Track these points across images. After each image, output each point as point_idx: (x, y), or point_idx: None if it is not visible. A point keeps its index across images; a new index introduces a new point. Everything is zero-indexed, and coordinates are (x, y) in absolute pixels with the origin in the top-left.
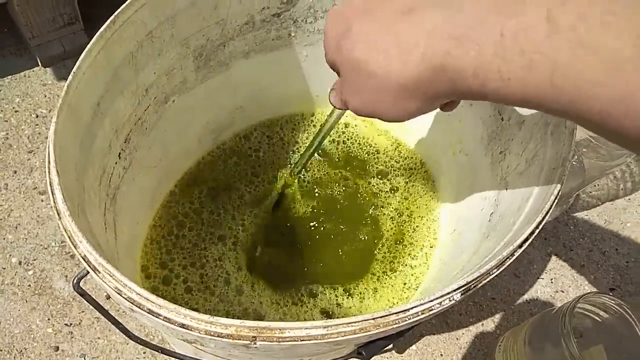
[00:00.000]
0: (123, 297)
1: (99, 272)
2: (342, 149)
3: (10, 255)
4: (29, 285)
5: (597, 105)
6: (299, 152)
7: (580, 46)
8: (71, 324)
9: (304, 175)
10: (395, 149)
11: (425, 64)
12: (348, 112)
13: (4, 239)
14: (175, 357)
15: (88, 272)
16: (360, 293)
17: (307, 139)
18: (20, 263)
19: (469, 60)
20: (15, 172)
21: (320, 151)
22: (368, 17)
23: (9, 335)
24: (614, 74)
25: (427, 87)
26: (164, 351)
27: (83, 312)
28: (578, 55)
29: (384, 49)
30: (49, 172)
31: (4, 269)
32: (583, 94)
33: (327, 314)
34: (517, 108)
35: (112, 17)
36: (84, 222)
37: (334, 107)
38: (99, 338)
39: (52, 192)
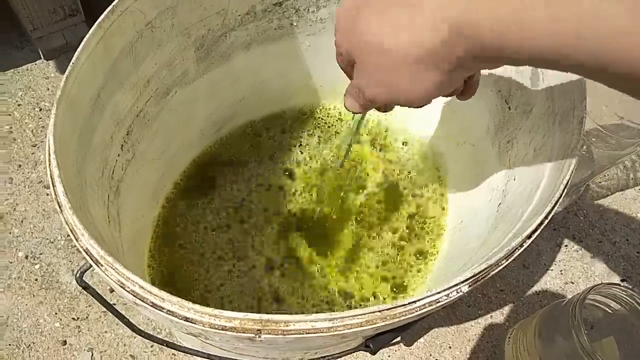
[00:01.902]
0: (126, 290)
1: (102, 265)
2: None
3: (16, 249)
4: (36, 280)
5: (628, 55)
6: (302, 143)
7: None
8: (78, 317)
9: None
10: (401, 140)
11: (440, 27)
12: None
13: (10, 233)
14: (182, 351)
15: (91, 266)
16: (366, 283)
17: (310, 130)
18: (26, 257)
19: (485, 14)
20: (20, 166)
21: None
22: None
23: (17, 330)
24: None
25: (444, 53)
26: (170, 345)
27: (90, 306)
28: (604, 4)
29: (396, 22)
30: (49, 164)
31: (11, 263)
32: (608, 44)
33: (330, 305)
34: (525, 95)
35: (110, 6)
36: (86, 215)
37: (351, 111)
38: (106, 332)
39: (53, 185)
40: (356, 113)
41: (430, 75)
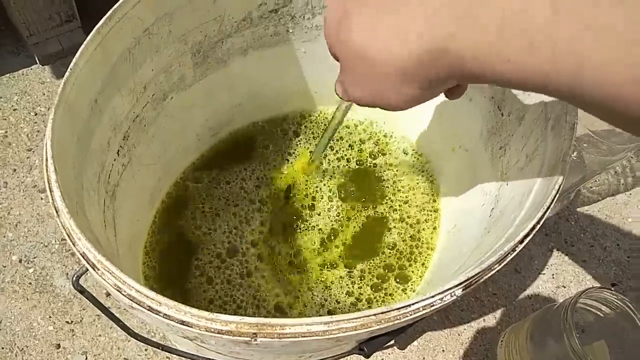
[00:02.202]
0: (122, 294)
1: (98, 270)
2: (340, 145)
3: (10, 253)
4: (30, 283)
5: (600, 87)
6: (298, 148)
7: (583, 27)
8: (72, 321)
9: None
10: (395, 144)
11: (426, 47)
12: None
13: (4, 236)
14: (177, 354)
15: (87, 270)
16: (360, 287)
17: (307, 135)
18: (20, 261)
19: (470, 41)
20: (15, 170)
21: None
22: (366, 3)
23: (10, 333)
24: (623, 56)
25: (428, 70)
26: (165, 348)
27: (84, 309)
28: (581, 36)
29: (383, 33)
30: (46, 169)
31: (5, 267)
32: (584, 75)
33: (328, 309)
34: (518, 101)
35: (109, 12)
36: (83, 220)
37: (341, 98)
38: (100, 335)
39: (50, 190)
40: (345, 100)
41: (410, 88)
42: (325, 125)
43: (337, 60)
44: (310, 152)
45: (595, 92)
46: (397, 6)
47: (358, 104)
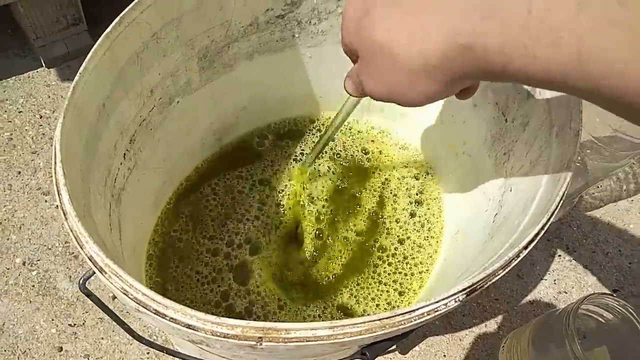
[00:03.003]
0: (129, 297)
1: (105, 273)
2: (345, 150)
3: (14, 255)
4: (33, 286)
5: (624, 85)
6: (303, 153)
7: (608, 24)
8: (75, 324)
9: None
10: (399, 150)
11: (450, 43)
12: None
13: (8, 239)
14: (179, 358)
15: (94, 273)
16: (363, 293)
17: (311, 140)
18: (24, 263)
19: (496, 37)
20: (19, 172)
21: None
22: (388, 3)
23: (13, 336)
24: None
25: (451, 66)
26: (168, 351)
27: (87, 312)
28: (606, 33)
29: (406, 29)
30: (55, 172)
31: (8, 269)
32: (609, 73)
33: (330, 315)
34: (522, 108)
35: (118, 18)
36: (90, 223)
37: (349, 94)
38: (102, 338)
39: (58, 193)
40: (353, 96)
41: (431, 84)
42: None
43: (350, 55)
44: (306, 154)
45: (618, 89)
46: (421, 6)
47: (372, 98)
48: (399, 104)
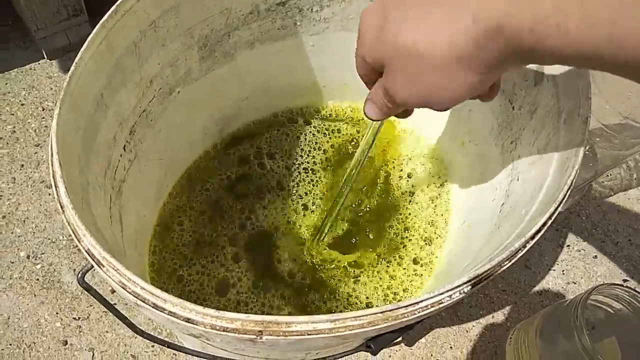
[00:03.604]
0: (127, 291)
1: (103, 266)
2: (351, 141)
3: (18, 249)
4: (37, 279)
5: None
6: (306, 143)
7: None
8: (79, 317)
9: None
10: (405, 139)
11: (479, 28)
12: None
13: (12, 232)
14: (183, 352)
15: (93, 266)
16: (369, 284)
17: (314, 130)
18: (28, 257)
19: (527, 16)
20: (23, 165)
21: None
22: (407, 3)
23: (18, 330)
24: None
25: (484, 52)
26: (171, 346)
27: (91, 306)
28: (638, 3)
29: (432, 26)
30: (51, 164)
31: (12, 262)
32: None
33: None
34: (530, 95)
35: (114, 6)
36: (88, 216)
37: (371, 119)
38: (107, 332)
39: (55, 185)
40: (375, 120)
41: (465, 76)
42: (334, 120)
43: (371, 76)
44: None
45: None
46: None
47: (406, 107)
48: (433, 108)
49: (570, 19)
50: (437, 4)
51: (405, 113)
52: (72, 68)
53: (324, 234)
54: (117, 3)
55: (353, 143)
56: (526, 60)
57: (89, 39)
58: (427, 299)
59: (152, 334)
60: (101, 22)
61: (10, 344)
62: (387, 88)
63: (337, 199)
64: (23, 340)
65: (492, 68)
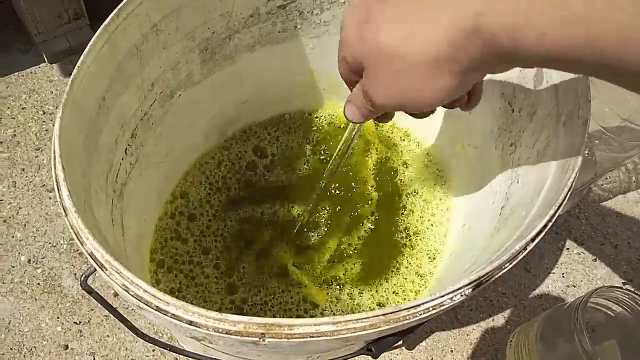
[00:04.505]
0: (131, 294)
1: (106, 270)
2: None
3: (19, 253)
4: (38, 284)
5: (636, 54)
6: (307, 146)
7: None
8: (80, 322)
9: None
10: (405, 143)
11: (455, 30)
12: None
13: (13, 237)
14: (184, 355)
15: (95, 270)
16: (370, 288)
17: (315, 132)
18: (29, 261)
19: (503, 17)
20: (24, 169)
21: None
22: (387, 3)
23: (19, 334)
24: None
25: (461, 54)
26: (173, 349)
27: (92, 310)
28: (615, 3)
29: (410, 26)
30: (54, 168)
31: (13, 267)
32: (620, 43)
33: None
34: (529, 98)
35: (116, 10)
36: (91, 219)
37: (351, 121)
38: (108, 336)
39: (58, 189)
40: (355, 123)
41: (445, 78)
42: (334, 123)
43: (352, 77)
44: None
45: (627, 61)
46: (421, 1)
47: (380, 112)
48: (411, 112)
49: (546, 19)
50: (416, 5)
51: (386, 117)
52: (75, 71)
53: (303, 227)
54: (120, 6)
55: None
56: (506, 63)
57: (91, 43)
58: (428, 301)
59: (154, 337)
60: (104, 25)
61: (12, 349)
62: (366, 89)
63: (315, 195)
64: (24, 345)
65: (471, 70)
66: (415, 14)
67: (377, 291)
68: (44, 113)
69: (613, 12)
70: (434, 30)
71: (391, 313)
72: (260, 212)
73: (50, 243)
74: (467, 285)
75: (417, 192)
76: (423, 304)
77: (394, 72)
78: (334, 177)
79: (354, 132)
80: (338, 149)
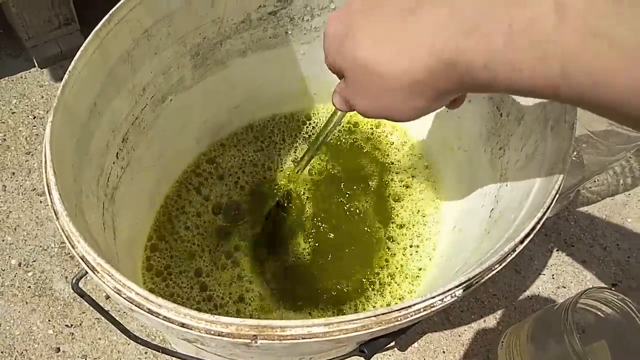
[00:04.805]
0: (122, 297)
1: (98, 272)
2: (340, 145)
3: (9, 257)
4: (29, 287)
5: (611, 93)
6: (297, 150)
7: (590, 35)
8: (72, 325)
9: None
10: (395, 146)
11: (435, 60)
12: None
13: (3, 240)
14: (177, 357)
15: (87, 273)
16: (361, 289)
17: (306, 137)
18: (19, 265)
19: (480, 52)
20: (14, 173)
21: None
22: (370, 17)
23: (10, 337)
24: (631, 63)
25: (437, 83)
26: (165, 351)
27: (84, 312)
28: (589, 44)
29: (390, 47)
30: (45, 172)
31: (4, 270)
32: (595, 82)
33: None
34: (517, 102)
35: (108, 15)
36: (82, 222)
37: (338, 109)
38: (100, 339)
39: (49, 192)
40: (342, 111)
41: (420, 101)
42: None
43: (335, 73)
44: (297, 162)
45: (605, 97)
46: (404, 20)
47: (365, 116)
48: (390, 120)
49: (522, 57)
50: (398, 27)
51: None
52: (66, 76)
53: (304, 166)
54: (111, 12)
55: (344, 147)
56: (483, 91)
57: (82, 48)
58: (419, 302)
59: (145, 339)
60: (95, 30)
61: (2, 352)
62: (346, 97)
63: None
64: (15, 348)
65: (443, 95)
66: (398, 37)
67: (366, 293)
68: (34, 117)
69: (587, 52)
70: (415, 58)
71: (382, 314)
72: (252, 215)
73: (40, 246)
74: (457, 287)
75: (407, 194)
76: (414, 305)
77: (373, 88)
78: (316, 152)
79: (341, 117)
80: (322, 129)
